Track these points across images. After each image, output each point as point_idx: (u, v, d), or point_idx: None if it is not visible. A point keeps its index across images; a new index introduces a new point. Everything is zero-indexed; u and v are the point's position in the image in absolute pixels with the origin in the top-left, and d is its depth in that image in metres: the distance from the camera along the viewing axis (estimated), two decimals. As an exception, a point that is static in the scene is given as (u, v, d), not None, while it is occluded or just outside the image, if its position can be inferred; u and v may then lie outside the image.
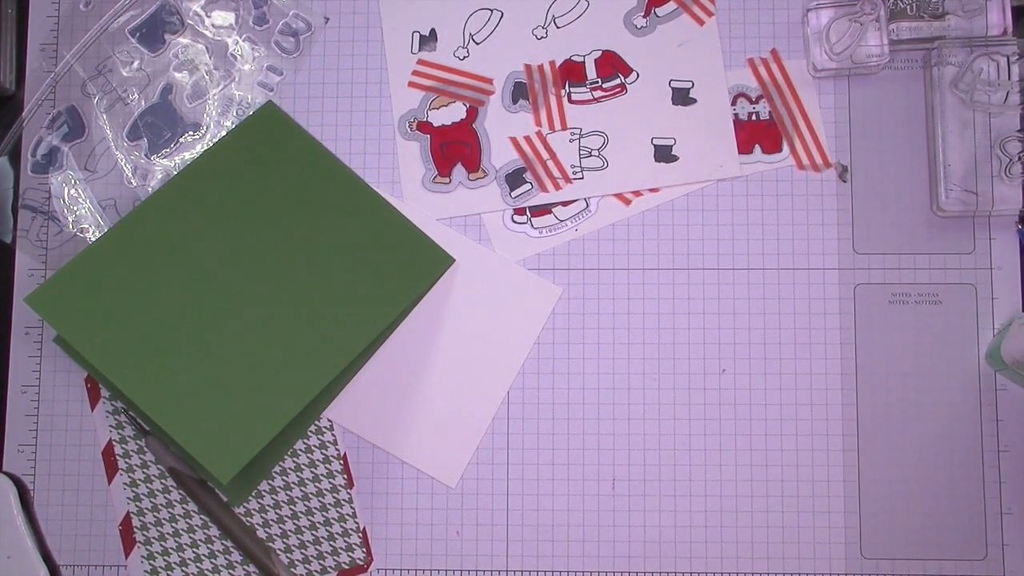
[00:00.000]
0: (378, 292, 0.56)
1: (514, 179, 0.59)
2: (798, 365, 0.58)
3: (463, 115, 0.60)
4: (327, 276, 0.55)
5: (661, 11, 0.60)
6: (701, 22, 0.60)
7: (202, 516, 0.58)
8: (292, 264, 0.55)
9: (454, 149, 0.60)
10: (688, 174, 0.59)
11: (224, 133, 0.59)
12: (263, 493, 0.57)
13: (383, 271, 0.56)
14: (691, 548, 0.57)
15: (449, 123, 0.60)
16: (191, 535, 0.57)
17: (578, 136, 0.59)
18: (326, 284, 0.55)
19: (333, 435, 0.58)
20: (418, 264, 0.56)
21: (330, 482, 0.57)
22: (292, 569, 0.57)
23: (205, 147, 0.60)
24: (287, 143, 0.56)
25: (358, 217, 0.56)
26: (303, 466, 0.57)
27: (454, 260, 0.58)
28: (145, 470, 0.58)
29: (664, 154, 0.59)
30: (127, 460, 0.58)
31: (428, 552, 0.57)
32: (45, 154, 0.61)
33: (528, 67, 0.60)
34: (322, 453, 0.58)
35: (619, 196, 0.59)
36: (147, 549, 0.58)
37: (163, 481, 0.58)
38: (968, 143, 0.57)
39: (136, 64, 0.61)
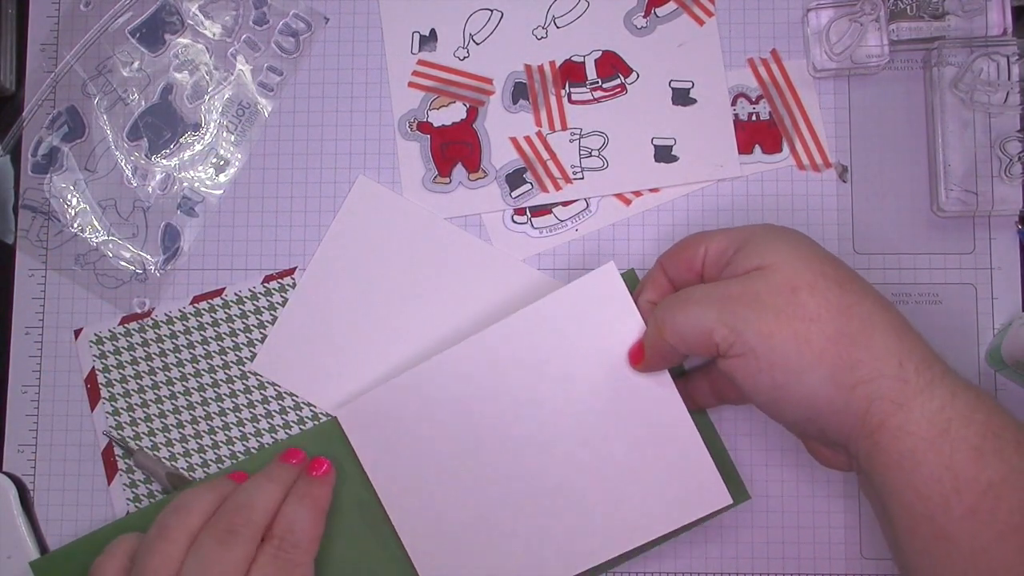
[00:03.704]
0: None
1: (514, 179, 0.59)
2: (798, 365, 0.58)
3: (463, 115, 0.60)
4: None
5: (661, 11, 0.60)
6: (701, 22, 0.60)
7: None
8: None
9: (454, 149, 0.60)
10: (688, 174, 0.59)
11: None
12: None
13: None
14: (691, 548, 0.57)
15: (449, 123, 0.60)
16: (191, 535, 0.58)
17: (578, 136, 0.59)
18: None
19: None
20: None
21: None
22: None
23: (202, 145, 0.60)
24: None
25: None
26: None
27: (749, 497, 0.56)
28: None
29: (664, 154, 0.59)
30: (127, 460, 0.58)
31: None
32: (45, 154, 0.61)
33: (528, 67, 0.60)
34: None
35: (619, 196, 0.59)
36: (147, 549, 0.58)
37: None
38: (968, 143, 0.57)
39: (136, 64, 0.61)
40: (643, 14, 0.60)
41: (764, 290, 0.45)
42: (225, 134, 0.61)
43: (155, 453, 0.58)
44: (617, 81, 0.60)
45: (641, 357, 0.51)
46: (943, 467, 0.42)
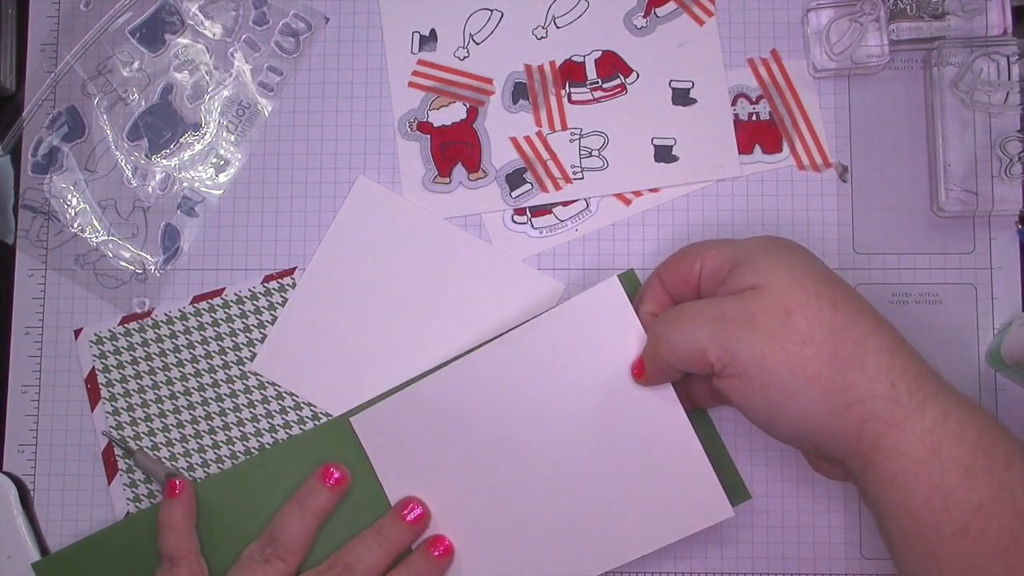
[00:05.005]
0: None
1: (514, 179, 0.59)
2: (798, 365, 0.58)
3: (463, 115, 0.60)
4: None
5: (661, 11, 0.60)
6: (701, 22, 0.60)
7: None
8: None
9: (454, 149, 0.60)
10: (688, 174, 0.59)
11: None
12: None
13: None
14: (691, 548, 0.57)
15: (449, 123, 0.60)
16: (191, 535, 0.58)
17: (578, 136, 0.59)
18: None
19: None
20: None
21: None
22: None
23: (202, 145, 0.60)
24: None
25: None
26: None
27: (750, 496, 0.55)
28: (145, 470, 0.58)
29: (664, 154, 0.59)
30: (127, 460, 0.58)
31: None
32: (45, 154, 0.61)
33: (528, 67, 0.60)
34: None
35: (619, 196, 0.59)
36: (147, 549, 0.58)
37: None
38: (968, 143, 0.57)
39: (136, 64, 0.61)
40: (643, 14, 0.60)
41: (758, 311, 0.45)
42: (225, 134, 0.61)
43: (155, 453, 0.58)
44: (617, 81, 0.60)
45: (643, 371, 0.51)
46: (933, 487, 0.42)
